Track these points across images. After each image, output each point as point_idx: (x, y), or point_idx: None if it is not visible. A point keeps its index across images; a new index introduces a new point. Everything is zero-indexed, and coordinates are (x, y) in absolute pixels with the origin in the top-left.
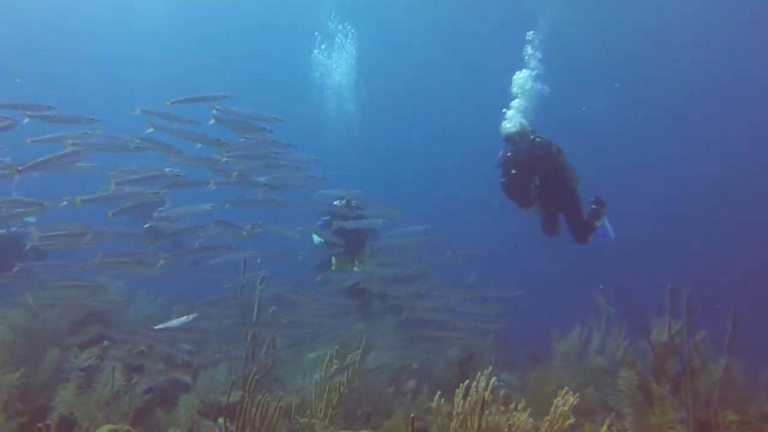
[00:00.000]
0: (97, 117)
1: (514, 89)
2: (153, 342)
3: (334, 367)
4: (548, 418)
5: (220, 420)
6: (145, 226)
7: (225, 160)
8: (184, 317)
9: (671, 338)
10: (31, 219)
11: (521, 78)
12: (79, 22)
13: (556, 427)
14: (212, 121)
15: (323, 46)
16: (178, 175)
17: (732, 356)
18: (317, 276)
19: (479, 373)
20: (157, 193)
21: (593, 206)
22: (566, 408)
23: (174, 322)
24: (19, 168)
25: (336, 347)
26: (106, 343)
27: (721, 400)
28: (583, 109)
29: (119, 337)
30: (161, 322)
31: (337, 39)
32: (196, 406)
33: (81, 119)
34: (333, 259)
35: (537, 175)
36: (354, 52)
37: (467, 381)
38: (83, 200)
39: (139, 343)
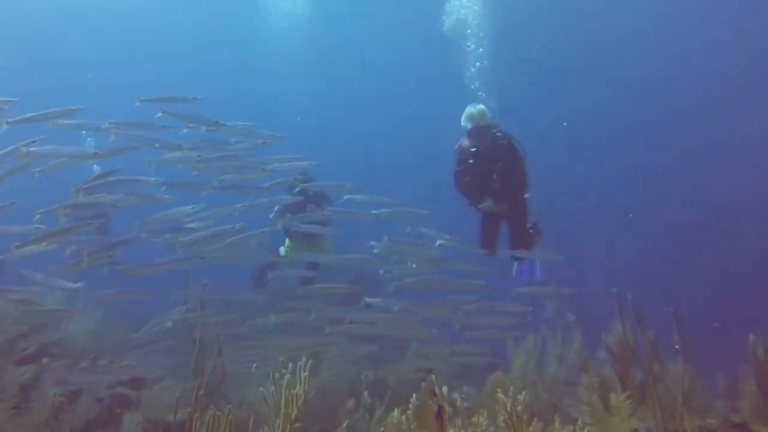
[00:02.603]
0: (81, 106)
1: None
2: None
3: (286, 377)
4: (503, 419)
5: None
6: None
7: (196, 172)
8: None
9: (625, 337)
10: None
11: None
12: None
13: None
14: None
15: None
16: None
17: (686, 361)
18: (270, 276)
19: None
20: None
21: (530, 231)
22: (520, 408)
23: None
24: None
25: (283, 358)
26: (45, 360)
27: (686, 406)
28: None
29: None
30: (104, 337)
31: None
32: (141, 425)
33: (66, 112)
34: (287, 241)
35: (499, 162)
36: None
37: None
38: (65, 213)
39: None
